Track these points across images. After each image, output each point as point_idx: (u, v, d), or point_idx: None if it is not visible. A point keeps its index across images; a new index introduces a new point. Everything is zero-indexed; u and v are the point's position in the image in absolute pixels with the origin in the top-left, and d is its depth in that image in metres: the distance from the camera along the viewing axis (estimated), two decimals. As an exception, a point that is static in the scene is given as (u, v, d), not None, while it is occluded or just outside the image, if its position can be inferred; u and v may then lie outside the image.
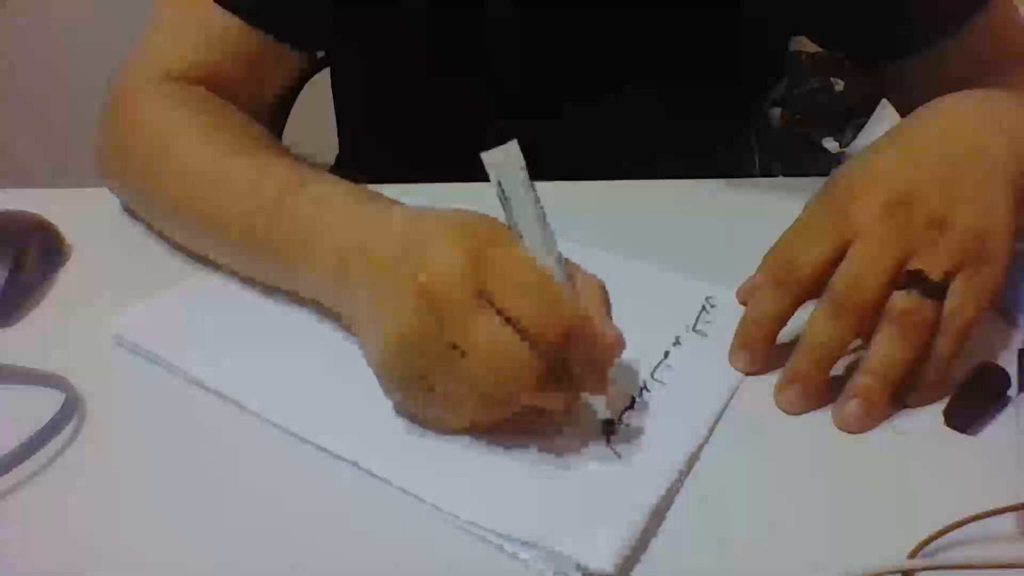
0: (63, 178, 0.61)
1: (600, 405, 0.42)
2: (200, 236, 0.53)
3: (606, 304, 0.41)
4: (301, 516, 0.38)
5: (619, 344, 0.40)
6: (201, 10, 0.60)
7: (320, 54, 0.82)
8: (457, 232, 0.39)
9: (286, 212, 0.47)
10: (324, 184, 0.48)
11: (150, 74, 0.59)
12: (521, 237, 0.39)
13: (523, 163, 0.39)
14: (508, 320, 0.37)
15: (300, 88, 0.93)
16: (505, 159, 0.38)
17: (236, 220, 0.49)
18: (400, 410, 0.43)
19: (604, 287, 0.42)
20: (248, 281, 0.51)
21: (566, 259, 0.41)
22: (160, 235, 0.57)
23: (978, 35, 0.62)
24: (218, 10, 0.59)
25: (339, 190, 0.47)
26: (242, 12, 0.59)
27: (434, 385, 0.39)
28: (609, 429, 0.42)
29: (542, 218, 0.39)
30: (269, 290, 0.51)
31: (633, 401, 0.44)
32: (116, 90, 0.60)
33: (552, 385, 0.39)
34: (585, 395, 0.42)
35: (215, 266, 0.53)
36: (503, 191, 0.39)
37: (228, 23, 0.60)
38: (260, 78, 0.63)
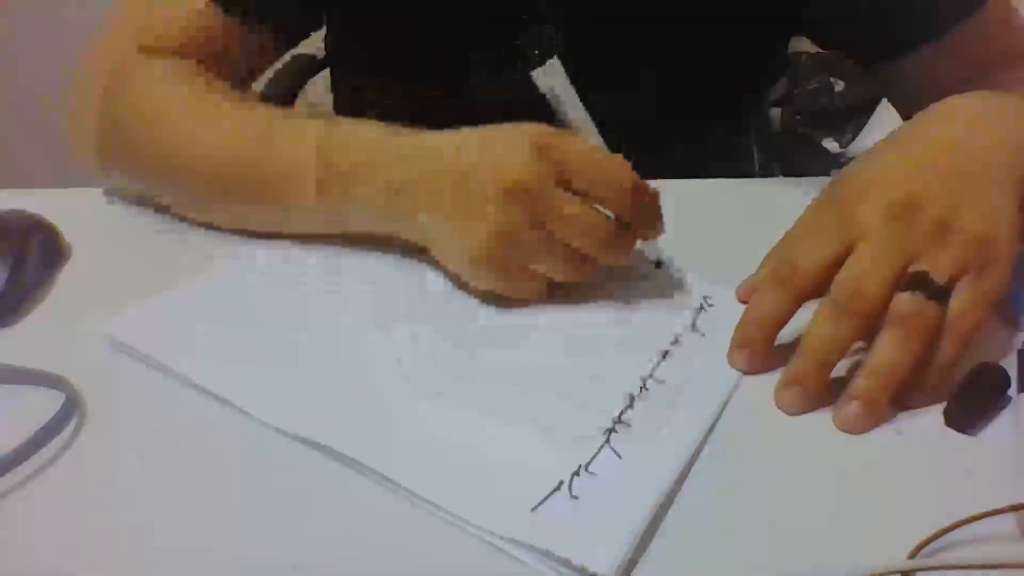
0: (63, 178, 0.61)
1: (651, 249, 0.52)
2: (230, 198, 0.55)
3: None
4: (301, 516, 0.38)
5: (658, 194, 0.49)
6: None
7: (320, 55, 0.82)
8: (518, 136, 0.47)
9: (340, 152, 0.51)
10: (356, 124, 0.52)
11: (125, 49, 0.60)
12: (578, 128, 0.52)
13: (564, 71, 0.52)
14: (583, 195, 0.46)
15: (300, 88, 0.93)
16: (552, 69, 0.50)
17: (279, 175, 0.52)
18: (486, 293, 0.50)
19: (628, 159, 0.49)
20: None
21: None
22: (167, 210, 0.58)
23: (976, 34, 0.62)
24: None
25: (371, 126, 0.52)
26: None
27: (527, 266, 0.48)
28: (659, 266, 0.52)
29: (587, 114, 0.52)
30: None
31: (633, 401, 0.44)
32: (98, 66, 0.61)
33: (621, 237, 0.48)
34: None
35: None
36: (556, 95, 0.51)
37: (194, 2, 0.61)
38: (228, 59, 0.63)
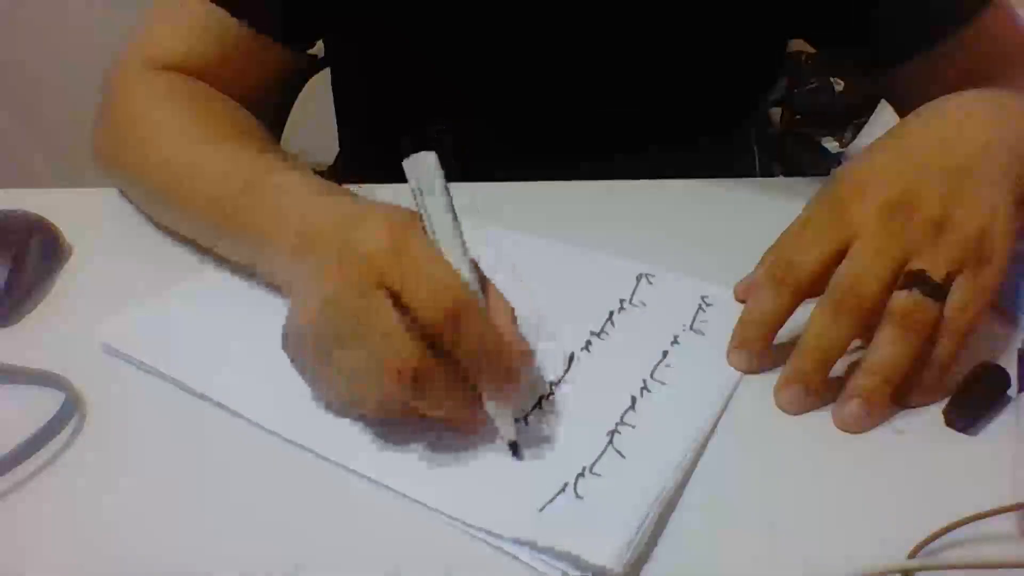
0: (63, 178, 0.62)
1: (507, 428, 0.40)
2: (180, 221, 0.56)
3: (513, 321, 0.41)
4: (302, 516, 0.38)
5: (525, 353, 0.40)
6: (190, 2, 0.61)
7: (321, 55, 0.82)
8: (375, 224, 0.40)
9: (251, 200, 0.49)
10: (289, 174, 0.50)
11: (140, 64, 0.61)
12: (435, 237, 0.40)
13: (440, 170, 0.41)
14: (401, 306, 0.38)
15: (300, 88, 0.93)
16: (422, 167, 0.41)
17: (208, 206, 0.52)
18: (313, 394, 0.43)
19: (513, 309, 0.42)
20: (231, 281, 0.52)
21: (489, 280, 0.42)
22: (149, 219, 0.59)
23: (976, 37, 0.62)
24: (204, 2, 0.61)
25: (303, 181, 0.49)
26: (225, 5, 0.61)
27: (333, 366, 0.40)
28: (515, 451, 0.40)
29: (455, 224, 0.41)
30: (255, 291, 0.51)
31: (634, 401, 0.44)
32: (110, 79, 0.62)
33: (442, 385, 0.38)
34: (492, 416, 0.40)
35: (202, 259, 0.54)
36: (420, 195, 0.41)
37: (213, 15, 0.61)
38: (245, 71, 0.63)
